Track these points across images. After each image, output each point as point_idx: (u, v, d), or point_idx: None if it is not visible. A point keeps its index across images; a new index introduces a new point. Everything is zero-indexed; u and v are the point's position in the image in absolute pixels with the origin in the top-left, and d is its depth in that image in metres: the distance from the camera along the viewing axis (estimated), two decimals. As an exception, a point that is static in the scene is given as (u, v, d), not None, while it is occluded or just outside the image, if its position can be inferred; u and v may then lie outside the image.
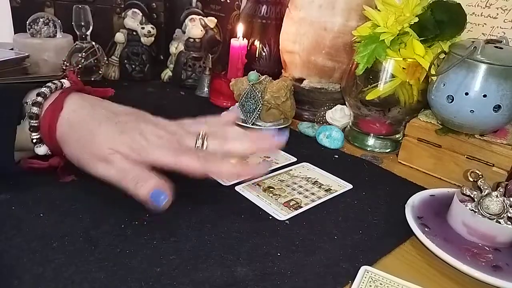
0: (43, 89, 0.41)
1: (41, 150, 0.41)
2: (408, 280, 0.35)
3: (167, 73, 0.88)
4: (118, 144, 0.38)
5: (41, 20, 0.79)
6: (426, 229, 0.40)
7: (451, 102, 0.51)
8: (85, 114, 0.40)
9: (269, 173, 0.51)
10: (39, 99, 0.40)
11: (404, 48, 0.56)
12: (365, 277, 0.34)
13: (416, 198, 0.45)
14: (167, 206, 0.36)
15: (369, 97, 0.59)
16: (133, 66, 0.85)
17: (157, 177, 0.37)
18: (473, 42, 0.50)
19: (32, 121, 0.40)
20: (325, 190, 0.48)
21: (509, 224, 0.39)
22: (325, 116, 0.68)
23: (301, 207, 0.44)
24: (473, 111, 0.49)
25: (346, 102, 0.65)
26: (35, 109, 0.39)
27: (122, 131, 0.38)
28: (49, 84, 0.42)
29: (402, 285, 0.34)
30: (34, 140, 0.40)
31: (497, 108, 0.48)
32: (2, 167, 0.40)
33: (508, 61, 0.48)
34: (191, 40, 0.82)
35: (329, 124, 0.66)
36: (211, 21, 0.84)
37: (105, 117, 0.40)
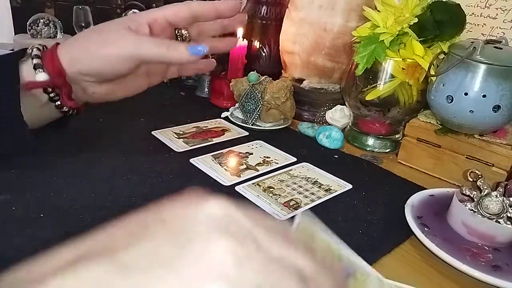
0: (35, 48, 0.42)
1: (41, 76, 0.40)
2: (408, 280, 0.35)
3: (167, 74, 0.88)
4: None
5: (42, 20, 0.79)
6: (425, 229, 0.40)
7: (450, 102, 0.51)
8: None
9: (269, 173, 0.51)
10: (36, 50, 0.41)
11: (404, 49, 0.56)
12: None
13: (415, 198, 0.45)
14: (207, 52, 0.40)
15: (368, 97, 0.59)
16: (133, 67, 0.85)
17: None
18: (472, 42, 0.50)
19: (35, 59, 0.40)
20: (325, 190, 0.49)
21: (509, 224, 0.39)
22: (325, 116, 0.68)
23: (301, 207, 0.44)
24: (473, 111, 0.49)
25: (346, 103, 0.65)
26: (36, 51, 0.41)
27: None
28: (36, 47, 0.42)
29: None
30: (34, 63, 0.40)
31: (496, 108, 0.48)
32: (17, 135, 0.41)
33: (508, 61, 0.48)
34: (191, 40, 0.82)
35: (329, 124, 0.66)
36: (211, 22, 0.84)
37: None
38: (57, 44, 0.42)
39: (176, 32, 0.46)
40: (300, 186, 0.49)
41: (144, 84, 0.48)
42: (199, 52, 0.40)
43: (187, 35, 0.47)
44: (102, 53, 0.40)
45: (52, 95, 0.41)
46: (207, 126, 0.64)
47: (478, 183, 0.41)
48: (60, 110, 0.44)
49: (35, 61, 0.40)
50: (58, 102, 0.43)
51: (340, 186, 0.50)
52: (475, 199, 0.40)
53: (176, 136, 0.59)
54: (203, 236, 0.14)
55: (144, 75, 0.47)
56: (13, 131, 0.41)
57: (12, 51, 0.47)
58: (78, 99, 0.45)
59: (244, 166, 0.53)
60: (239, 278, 0.13)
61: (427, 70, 0.53)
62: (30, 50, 0.41)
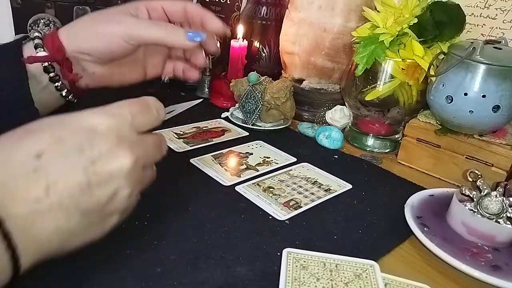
0: (36, 31, 0.42)
1: (42, 54, 0.41)
2: (408, 279, 0.35)
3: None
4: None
5: (42, 21, 0.79)
6: (425, 228, 0.40)
7: (450, 102, 0.51)
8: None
9: (269, 173, 0.51)
10: (37, 33, 0.42)
11: (403, 49, 0.56)
12: (289, 258, 0.35)
13: (415, 198, 0.45)
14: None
15: (368, 97, 0.59)
16: (133, 67, 0.85)
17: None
18: (472, 42, 0.50)
19: (36, 40, 0.41)
20: (325, 190, 0.49)
21: (508, 224, 0.39)
22: (324, 117, 0.68)
23: (301, 207, 0.44)
24: (472, 111, 0.49)
25: (346, 103, 0.65)
26: (37, 34, 0.41)
27: None
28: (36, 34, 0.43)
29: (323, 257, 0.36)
30: (35, 42, 0.41)
31: (496, 108, 0.48)
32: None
33: (507, 61, 0.48)
34: (191, 41, 0.82)
35: (329, 125, 0.66)
36: (211, 22, 0.84)
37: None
38: (58, 28, 0.43)
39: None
40: (300, 186, 0.49)
41: (140, 74, 0.49)
42: (196, 39, 0.41)
43: None
44: (101, 30, 0.41)
45: (52, 74, 0.41)
46: (207, 126, 0.64)
47: (478, 183, 0.41)
48: (61, 94, 0.43)
49: (36, 41, 0.41)
50: (59, 84, 0.42)
51: (340, 186, 0.50)
52: (475, 199, 0.40)
53: (176, 136, 0.59)
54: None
55: (141, 64, 0.48)
56: (23, 112, 0.40)
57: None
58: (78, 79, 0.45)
59: (244, 166, 0.53)
60: None
61: (426, 71, 0.54)
62: (31, 34, 0.42)
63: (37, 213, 0.23)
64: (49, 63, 0.41)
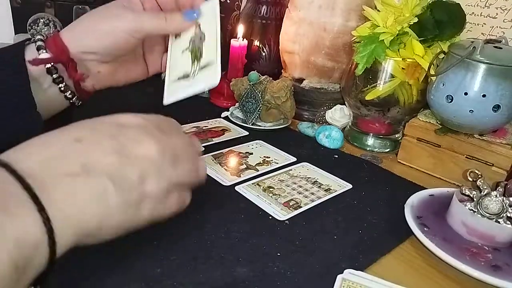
0: (38, 34, 0.42)
1: (45, 55, 0.41)
2: (408, 279, 0.35)
3: (167, 74, 0.88)
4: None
5: (42, 20, 0.79)
6: (425, 228, 0.40)
7: (450, 102, 0.51)
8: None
9: (269, 173, 0.51)
10: (39, 36, 0.42)
11: (404, 48, 0.56)
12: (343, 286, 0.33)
13: (415, 198, 0.45)
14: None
15: (368, 97, 0.59)
16: (133, 67, 0.85)
17: None
18: (472, 42, 0.50)
19: (38, 42, 0.41)
20: (325, 190, 0.49)
21: (509, 224, 0.39)
22: (324, 116, 0.68)
23: (301, 207, 0.44)
24: (472, 111, 0.49)
25: (346, 102, 0.65)
26: (39, 36, 0.42)
27: None
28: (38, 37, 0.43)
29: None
30: (38, 44, 0.41)
31: (496, 108, 0.48)
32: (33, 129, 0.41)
33: (508, 61, 0.48)
34: (191, 40, 0.82)
35: (329, 124, 0.66)
36: (211, 22, 0.84)
37: None
38: (58, 30, 0.43)
39: None
40: (300, 186, 0.49)
41: (144, 70, 0.49)
42: (193, 17, 0.43)
43: None
44: (105, 27, 0.41)
45: (55, 76, 0.41)
46: (207, 126, 0.64)
47: (478, 183, 0.41)
48: (65, 95, 0.43)
49: (38, 43, 0.41)
50: (62, 85, 0.42)
51: (340, 186, 0.50)
52: (475, 199, 0.40)
53: (176, 136, 0.59)
54: None
55: (143, 60, 0.49)
56: (25, 115, 0.40)
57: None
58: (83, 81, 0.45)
59: (244, 166, 0.53)
60: None
61: (427, 70, 0.53)
62: (33, 37, 0.42)
63: (75, 187, 0.25)
64: (53, 64, 0.41)
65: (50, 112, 0.44)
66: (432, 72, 0.53)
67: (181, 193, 0.32)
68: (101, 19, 0.42)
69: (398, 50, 0.56)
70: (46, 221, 0.23)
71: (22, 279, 0.22)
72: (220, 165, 0.52)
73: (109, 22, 0.42)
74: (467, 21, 0.56)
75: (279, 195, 0.47)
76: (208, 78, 0.39)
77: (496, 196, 0.39)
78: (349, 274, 0.34)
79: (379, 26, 0.55)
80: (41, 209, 0.22)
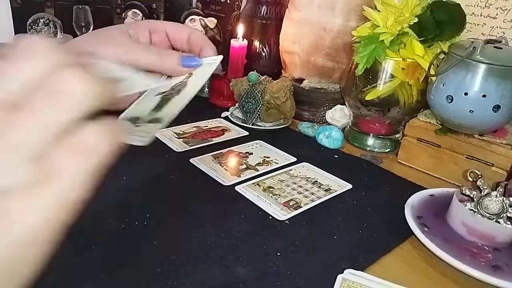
0: None
1: None
2: (408, 279, 0.35)
3: (167, 74, 0.88)
4: None
5: (42, 20, 0.79)
6: (425, 228, 0.40)
7: (450, 102, 0.51)
8: None
9: (269, 173, 0.51)
10: None
11: (404, 48, 0.56)
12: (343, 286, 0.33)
13: (415, 198, 0.45)
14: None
15: (368, 97, 0.59)
16: (133, 67, 0.85)
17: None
18: (472, 42, 0.50)
19: None
20: (325, 190, 0.49)
21: (509, 224, 0.39)
22: (324, 116, 0.68)
23: (301, 207, 0.44)
24: (473, 111, 0.49)
25: (346, 102, 0.65)
26: None
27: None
28: None
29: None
30: None
31: (496, 108, 0.48)
32: None
33: (508, 61, 0.48)
34: (191, 40, 0.82)
35: (329, 124, 0.66)
36: (211, 22, 0.84)
37: None
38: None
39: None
40: (300, 186, 0.49)
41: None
42: (192, 66, 0.37)
43: None
44: (99, 53, 0.40)
45: None
46: (207, 126, 0.64)
47: (478, 183, 0.41)
48: None
49: None
50: None
51: (340, 186, 0.50)
52: (475, 199, 0.40)
53: (176, 136, 0.59)
54: None
55: None
56: None
57: None
58: None
59: (244, 166, 0.53)
60: None
61: (427, 70, 0.53)
62: None
63: None
64: None
65: None
66: (432, 72, 0.53)
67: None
68: (94, 44, 0.38)
69: (398, 50, 0.56)
70: None
71: None
72: (220, 165, 0.52)
73: (100, 49, 0.38)
74: (467, 21, 0.56)
75: (279, 195, 0.46)
76: (143, 135, 0.30)
77: (496, 196, 0.39)
78: (349, 274, 0.34)
79: (379, 26, 0.55)
80: None
